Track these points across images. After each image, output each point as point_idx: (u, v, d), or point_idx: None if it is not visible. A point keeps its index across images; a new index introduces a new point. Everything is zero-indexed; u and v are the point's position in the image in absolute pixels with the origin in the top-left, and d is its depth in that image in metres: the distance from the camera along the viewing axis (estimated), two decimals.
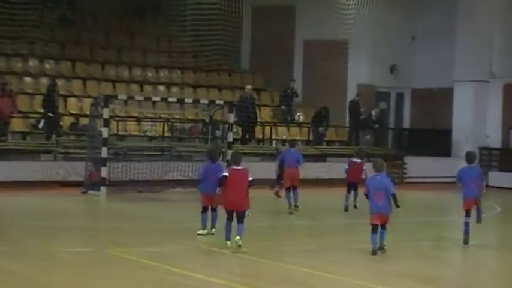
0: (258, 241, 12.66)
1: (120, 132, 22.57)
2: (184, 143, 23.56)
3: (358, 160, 17.44)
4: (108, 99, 19.30)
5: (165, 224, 14.64)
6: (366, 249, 12.07)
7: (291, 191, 16.33)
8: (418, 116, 30.37)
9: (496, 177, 26.45)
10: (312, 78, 29.21)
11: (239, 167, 11.43)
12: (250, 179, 11.35)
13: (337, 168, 24.56)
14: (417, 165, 27.01)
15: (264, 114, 27.53)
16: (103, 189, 18.53)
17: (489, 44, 27.52)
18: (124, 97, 21.67)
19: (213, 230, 12.59)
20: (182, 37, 27.17)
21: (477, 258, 12.14)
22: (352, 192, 17.09)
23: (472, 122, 27.54)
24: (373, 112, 27.45)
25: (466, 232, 12.54)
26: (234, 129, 21.74)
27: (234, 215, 11.36)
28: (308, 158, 25.01)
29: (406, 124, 30.91)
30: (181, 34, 26.76)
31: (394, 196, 11.33)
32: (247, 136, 25.20)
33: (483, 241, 13.86)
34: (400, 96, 30.76)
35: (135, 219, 15.18)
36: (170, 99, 22.62)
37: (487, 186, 25.71)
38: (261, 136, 26.01)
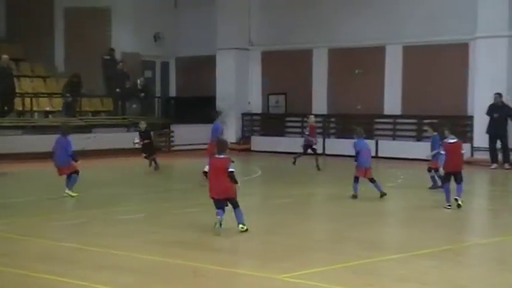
0: (21, 217, 12.12)
1: None
2: None
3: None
4: None
5: None
6: (137, 219, 12.02)
7: None
8: (183, 85, 30.71)
9: (258, 142, 27.60)
10: (75, 47, 28.33)
11: (221, 156, 11.03)
12: (230, 170, 10.79)
13: (103, 139, 24.33)
14: (184, 133, 27.35)
15: (24, 85, 26.25)
16: None
17: (247, 13, 28.41)
18: None
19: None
20: None
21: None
22: None
23: (234, 89, 28.38)
24: (138, 81, 27.27)
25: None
26: None
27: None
28: (72, 129, 24.39)
29: (172, 93, 31.13)
30: None
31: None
32: (6, 108, 23.96)
33: (243, 204, 14.39)
34: (165, 65, 30.86)
35: None
36: None
37: (250, 150, 27.10)
38: (21, 108, 24.80)
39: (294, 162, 20.37)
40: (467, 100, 23.34)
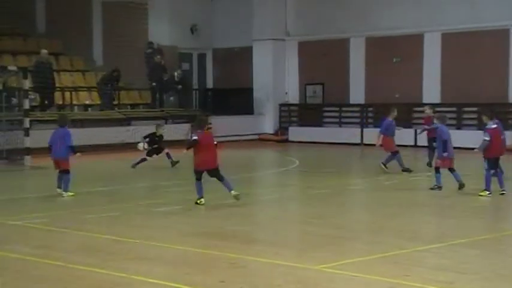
0: (59, 210, 12.27)
1: None
2: None
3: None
4: None
5: None
6: (169, 211, 12.10)
7: None
8: (220, 76, 30.75)
9: (296, 132, 27.52)
10: (113, 41, 28.56)
11: (204, 131, 12.43)
12: (194, 138, 12.25)
13: (141, 132, 24.43)
14: (222, 125, 27.38)
15: (64, 79, 26.56)
16: None
17: (283, 3, 28.31)
18: None
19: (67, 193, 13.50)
20: None
21: (278, 212, 12.51)
22: None
23: (271, 80, 28.34)
24: (176, 73, 27.38)
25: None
26: (32, 96, 20.79)
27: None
28: (111, 122, 24.66)
29: (210, 84, 31.20)
30: None
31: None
32: (46, 102, 24.25)
33: (281, 195, 14.40)
34: (202, 57, 30.94)
35: None
36: None
37: (287, 141, 27.05)
38: (61, 102, 25.10)
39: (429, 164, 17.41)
40: (509, 87, 22.95)
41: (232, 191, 12.39)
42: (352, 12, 26.33)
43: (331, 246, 9.37)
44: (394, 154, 16.96)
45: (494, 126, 13.34)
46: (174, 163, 18.35)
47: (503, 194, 13.18)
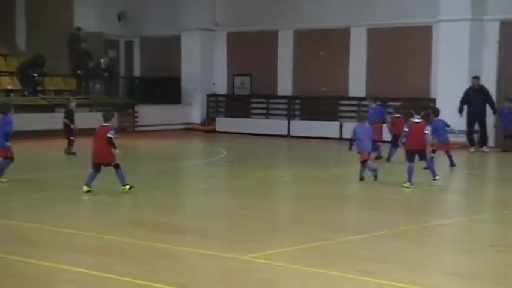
0: None
1: None
2: None
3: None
4: None
5: None
6: (96, 200, 11.97)
7: None
8: (148, 64, 30.48)
9: (223, 123, 27.57)
10: (37, 26, 27.94)
11: (106, 124, 12.45)
12: (109, 135, 12.22)
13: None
14: (148, 114, 27.22)
15: None
16: None
17: None
18: None
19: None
20: None
21: (206, 203, 12.54)
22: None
23: (199, 70, 28.28)
24: (102, 60, 26.99)
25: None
26: None
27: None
28: (35, 108, 24.14)
29: (137, 72, 30.89)
30: None
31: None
32: None
33: (209, 185, 14.43)
34: (129, 44, 30.59)
35: None
36: None
37: (215, 131, 27.07)
38: None
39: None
40: (431, 82, 23.58)
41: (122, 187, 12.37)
42: (281, 5, 26.49)
43: (258, 237, 9.47)
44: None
45: (416, 120, 13.80)
46: (69, 153, 18.05)
47: (435, 182, 13.69)
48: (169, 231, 9.80)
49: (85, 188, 12.32)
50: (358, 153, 14.41)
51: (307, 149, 22.38)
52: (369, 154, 14.50)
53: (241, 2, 27.66)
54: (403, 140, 13.98)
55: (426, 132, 13.89)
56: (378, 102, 19.37)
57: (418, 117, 13.90)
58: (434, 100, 22.88)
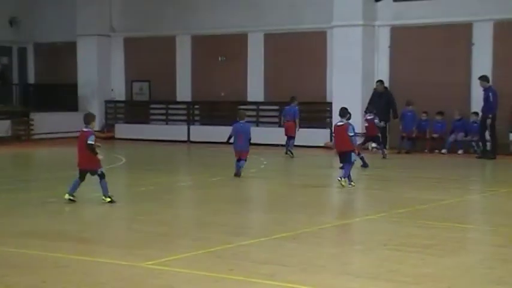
0: None
1: None
2: None
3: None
4: None
5: None
6: None
7: None
8: (43, 71, 29.74)
9: (122, 129, 27.22)
10: None
11: (86, 129, 12.03)
12: (89, 142, 11.81)
13: None
14: (45, 122, 26.54)
15: None
16: None
17: (109, 0, 27.91)
18: None
19: None
20: None
21: (103, 210, 12.34)
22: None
23: (96, 76, 27.83)
24: None
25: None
26: None
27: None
28: None
29: (31, 79, 30.08)
30: None
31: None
32: None
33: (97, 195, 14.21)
34: (22, 51, 29.76)
35: None
36: None
37: (114, 138, 26.67)
38: None
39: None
40: (326, 86, 24.07)
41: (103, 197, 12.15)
42: (179, 10, 26.42)
43: (157, 243, 9.39)
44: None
45: (339, 123, 14.48)
46: None
47: (339, 181, 14.09)
48: (66, 240, 9.58)
49: (67, 196, 12.04)
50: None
51: (207, 154, 22.39)
52: (246, 152, 15.52)
53: (137, 7, 27.41)
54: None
55: (350, 134, 14.26)
56: (296, 102, 21.03)
57: (340, 120, 14.44)
58: (330, 104, 23.36)
